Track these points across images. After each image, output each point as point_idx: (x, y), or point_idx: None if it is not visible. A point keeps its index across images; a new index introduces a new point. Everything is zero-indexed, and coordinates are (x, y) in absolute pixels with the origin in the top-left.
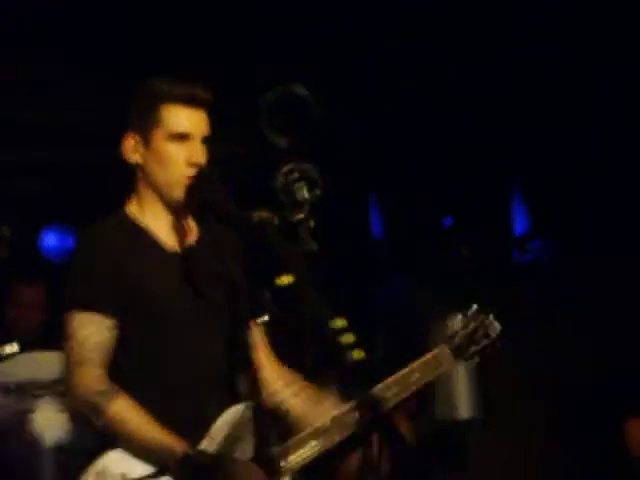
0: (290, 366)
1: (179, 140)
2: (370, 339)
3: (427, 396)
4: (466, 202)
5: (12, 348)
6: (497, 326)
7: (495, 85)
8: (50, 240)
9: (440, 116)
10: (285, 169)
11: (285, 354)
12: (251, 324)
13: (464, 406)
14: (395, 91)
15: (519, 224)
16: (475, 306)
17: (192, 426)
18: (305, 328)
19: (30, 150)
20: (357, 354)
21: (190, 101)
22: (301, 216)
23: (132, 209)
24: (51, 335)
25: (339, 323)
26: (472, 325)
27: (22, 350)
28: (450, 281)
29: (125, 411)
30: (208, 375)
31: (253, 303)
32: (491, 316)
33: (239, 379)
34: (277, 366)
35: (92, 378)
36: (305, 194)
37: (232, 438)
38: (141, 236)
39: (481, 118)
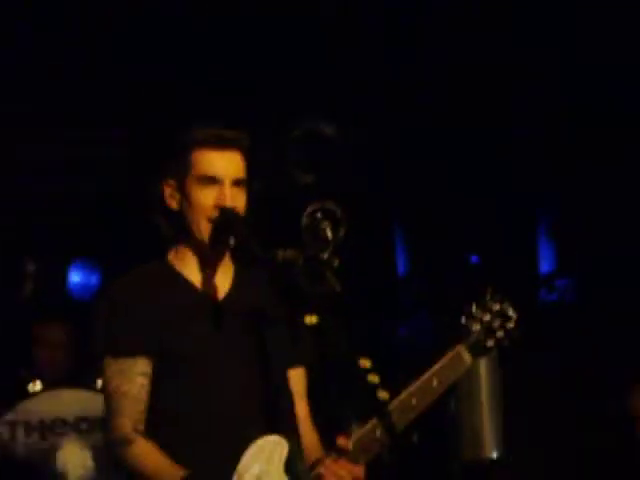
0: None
1: (208, 184)
2: (393, 379)
3: (454, 436)
4: (492, 240)
5: (35, 386)
6: (513, 314)
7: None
8: (75, 277)
9: (467, 153)
10: (309, 209)
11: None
12: (291, 372)
13: (490, 445)
14: (420, 130)
15: (545, 262)
16: (489, 295)
17: (224, 460)
18: (328, 368)
19: (58, 182)
20: (382, 395)
21: (218, 143)
22: (325, 255)
23: (171, 256)
24: (78, 374)
25: (364, 363)
26: (487, 317)
27: (47, 388)
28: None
29: (141, 455)
30: (241, 419)
31: (293, 350)
32: (506, 303)
33: (276, 423)
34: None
35: (119, 427)
36: (329, 233)
37: (260, 473)
38: (175, 281)
39: (507, 154)
